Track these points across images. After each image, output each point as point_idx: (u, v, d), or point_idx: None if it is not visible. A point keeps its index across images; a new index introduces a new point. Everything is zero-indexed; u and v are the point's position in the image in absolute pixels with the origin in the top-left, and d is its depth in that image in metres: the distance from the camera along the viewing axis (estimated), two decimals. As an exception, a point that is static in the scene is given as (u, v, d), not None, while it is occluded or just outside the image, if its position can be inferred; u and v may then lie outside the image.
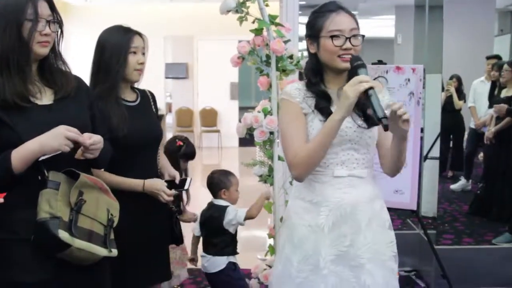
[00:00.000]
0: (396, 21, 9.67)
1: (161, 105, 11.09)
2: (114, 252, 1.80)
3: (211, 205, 3.17)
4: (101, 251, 1.75)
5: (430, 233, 4.06)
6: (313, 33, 1.88)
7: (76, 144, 1.69)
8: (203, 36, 11.00)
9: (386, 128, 1.69)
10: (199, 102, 11.41)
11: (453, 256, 3.86)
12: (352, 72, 1.78)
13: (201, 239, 3.22)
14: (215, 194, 3.15)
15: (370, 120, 1.85)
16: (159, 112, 10.24)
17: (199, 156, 10.79)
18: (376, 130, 1.92)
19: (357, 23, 1.87)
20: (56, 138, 1.64)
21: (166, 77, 11.37)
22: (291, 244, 1.92)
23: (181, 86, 11.42)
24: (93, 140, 1.71)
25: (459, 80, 6.58)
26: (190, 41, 11.24)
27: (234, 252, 3.12)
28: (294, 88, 1.92)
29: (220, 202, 3.11)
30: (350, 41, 1.82)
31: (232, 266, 3.09)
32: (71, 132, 1.66)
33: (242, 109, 9.30)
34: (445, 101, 6.54)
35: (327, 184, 1.88)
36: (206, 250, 3.12)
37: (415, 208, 3.29)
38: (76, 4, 10.57)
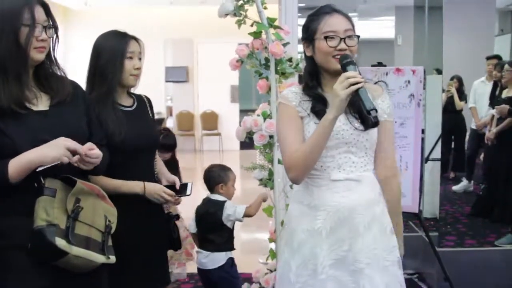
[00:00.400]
0: (396, 22, 9.64)
1: (161, 108, 11.12)
2: (112, 258, 1.79)
3: (207, 200, 3.13)
4: (99, 258, 1.73)
5: (433, 235, 4.04)
6: (308, 36, 1.89)
7: (75, 154, 1.68)
8: (203, 39, 11.01)
9: (375, 121, 1.70)
10: (200, 105, 11.41)
11: (455, 258, 3.85)
12: (342, 70, 1.77)
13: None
14: (212, 188, 3.12)
15: (367, 121, 1.84)
16: (160, 116, 10.33)
17: (199, 159, 10.79)
18: (375, 133, 1.91)
19: (352, 25, 1.87)
20: (56, 148, 1.63)
21: (167, 81, 11.38)
22: (290, 249, 1.91)
23: (181, 89, 11.42)
24: (90, 153, 1.70)
25: (459, 80, 6.56)
26: (190, 44, 11.24)
27: (232, 248, 3.09)
28: (291, 91, 1.92)
29: (217, 197, 3.09)
30: (345, 41, 1.82)
31: (230, 261, 3.07)
32: (70, 142, 1.65)
33: (243, 112, 9.30)
34: (446, 101, 6.52)
35: (324, 188, 1.86)
36: (202, 246, 3.08)
37: (416, 211, 3.27)
38: (76, 9, 10.59)
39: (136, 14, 10.54)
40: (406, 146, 3.21)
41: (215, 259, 3.03)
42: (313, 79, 1.91)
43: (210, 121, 11.33)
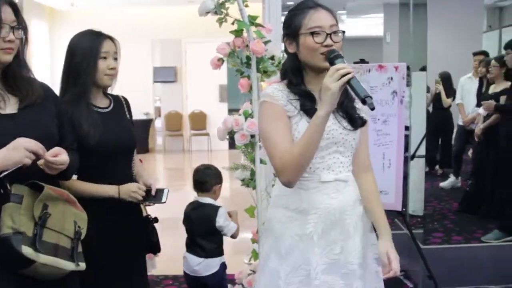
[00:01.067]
0: (385, 20, 9.64)
1: (150, 109, 11.07)
2: (82, 265, 1.74)
3: (198, 204, 3.06)
4: (68, 265, 1.69)
5: (418, 232, 4.03)
6: (292, 31, 1.81)
7: (38, 155, 1.63)
8: (191, 39, 10.95)
9: (372, 108, 1.62)
10: (188, 105, 11.37)
11: (442, 255, 3.83)
12: (330, 65, 1.71)
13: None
14: (209, 189, 3.06)
15: (355, 121, 1.82)
16: (148, 117, 10.25)
17: (188, 160, 10.74)
18: (359, 132, 1.88)
19: (336, 20, 1.81)
20: (16, 151, 1.58)
21: (155, 81, 11.33)
22: (277, 256, 1.84)
23: (169, 89, 11.38)
24: (54, 160, 1.66)
25: (443, 78, 6.55)
26: (178, 44, 11.19)
27: (223, 252, 3.06)
28: (276, 90, 1.82)
29: (207, 200, 3.04)
30: (331, 37, 1.76)
31: (223, 267, 3.04)
32: (30, 143, 1.60)
33: (232, 112, 9.26)
34: (433, 99, 6.52)
35: (314, 190, 1.81)
36: (195, 252, 2.99)
37: (400, 208, 3.23)
38: (62, 9, 10.50)
39: (123, 15, 10.48)
40: (389, 143, 3.17)
41: (209, 266, 2.98)
42: (297, 76, 1.84)
43: (199, 121, 11.29)
